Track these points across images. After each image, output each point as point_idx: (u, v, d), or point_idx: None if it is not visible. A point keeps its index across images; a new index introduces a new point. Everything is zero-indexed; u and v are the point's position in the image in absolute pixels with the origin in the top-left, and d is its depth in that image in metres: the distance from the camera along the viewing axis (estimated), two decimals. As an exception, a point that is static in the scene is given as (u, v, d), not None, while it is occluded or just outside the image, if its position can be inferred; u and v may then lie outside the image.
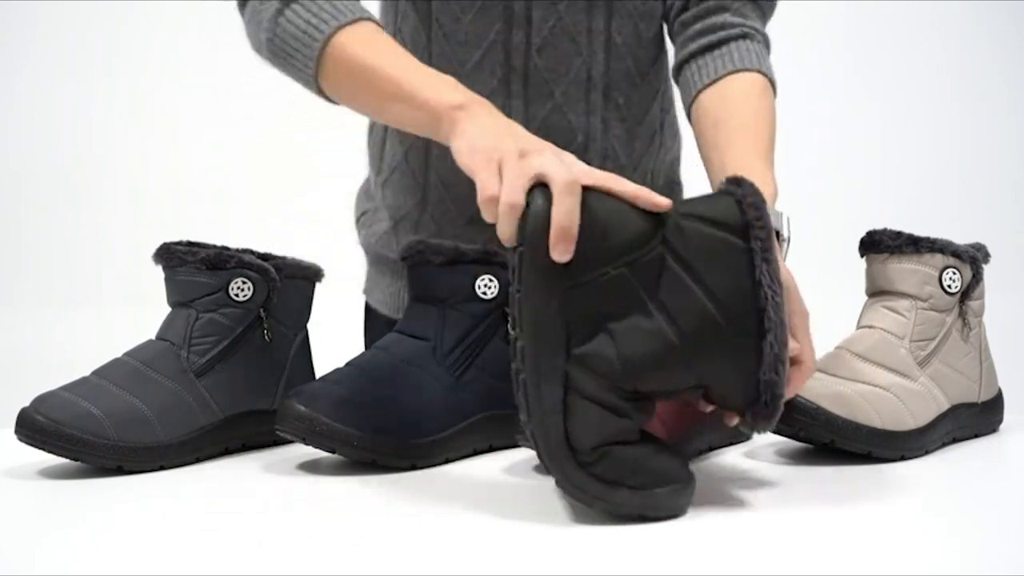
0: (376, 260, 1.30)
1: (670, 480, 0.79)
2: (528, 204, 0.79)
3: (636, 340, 0.78)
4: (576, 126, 1.18)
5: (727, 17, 1.16)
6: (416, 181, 1.20)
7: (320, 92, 1.03)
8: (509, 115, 1.13)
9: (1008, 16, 2.73)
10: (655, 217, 0.79)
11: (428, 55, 1.17)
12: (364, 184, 1.33)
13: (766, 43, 1.17)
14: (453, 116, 0.90)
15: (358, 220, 1.32)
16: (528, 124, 1.15)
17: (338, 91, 1.02)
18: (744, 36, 1.15)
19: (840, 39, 2.75)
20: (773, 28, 1.22)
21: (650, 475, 0.78)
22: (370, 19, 1.03)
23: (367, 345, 1.33)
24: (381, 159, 1.26)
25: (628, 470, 0.78)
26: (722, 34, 1.14)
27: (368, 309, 1.34)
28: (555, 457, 0.78)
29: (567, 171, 0.78)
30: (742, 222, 0.79)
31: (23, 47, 2.71)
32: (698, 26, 1.16)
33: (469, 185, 0.83)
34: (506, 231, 0.79)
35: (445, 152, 1.16)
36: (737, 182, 0.81)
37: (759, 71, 1.12)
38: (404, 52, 1.00)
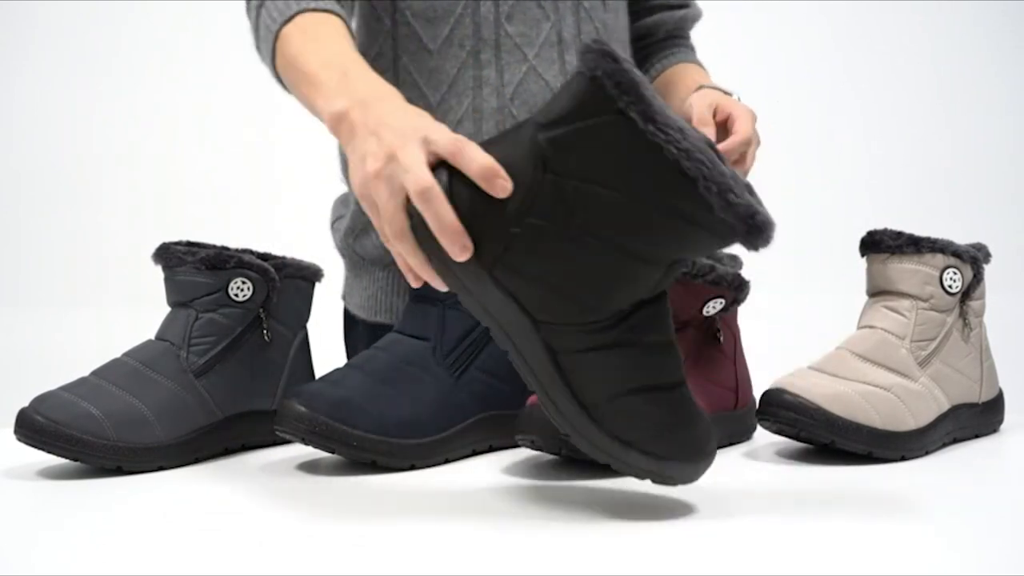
0: (353, 264, 1.29)
1: (691, 456, 0.77)
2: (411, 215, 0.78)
3: (584, 274, 0.75)
4: (554, 86, 1.18)
5: (674, 40, 1.34)
6: None
7: (282, 85, 1.04)
8: (481, 86, 1.17)
9: (1008, 16, 2.73)
10: (523, 153, 0.75)
11: (394, 36, 1.18)
12: (342, 195, 1.32)
13: (693, 49, 1.35)
14: (337, 132, 0.88)
15: (332, 225, 1.31)
16: (503, 90, 1.16)
17: (283, 83, 1.03)
18: (686, 47, 1.35)
19: (842, 38, 2.75)
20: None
21: (672, 446, 0.76)
22: (329, 11, 1.03)
23: (347, 353, 1.32)
24: None
25: (650, 434, 0.76)
26: (669, 50, 1.33)
27: (347, 316, 1.32)
28: (568, 418, 0.76)
29: (416, 175, 0.76)
30: (603, 96, 0.73)
31: (23, 47, 2.71)
32: (650, 50, 1.32)
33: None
34: (409, 256, 0.80)
35: None
36: (583, 53, 0.75)
37: (694, 63, 1.32)
38: (330, 45, 0.98)
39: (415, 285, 0.83)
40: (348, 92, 0.89)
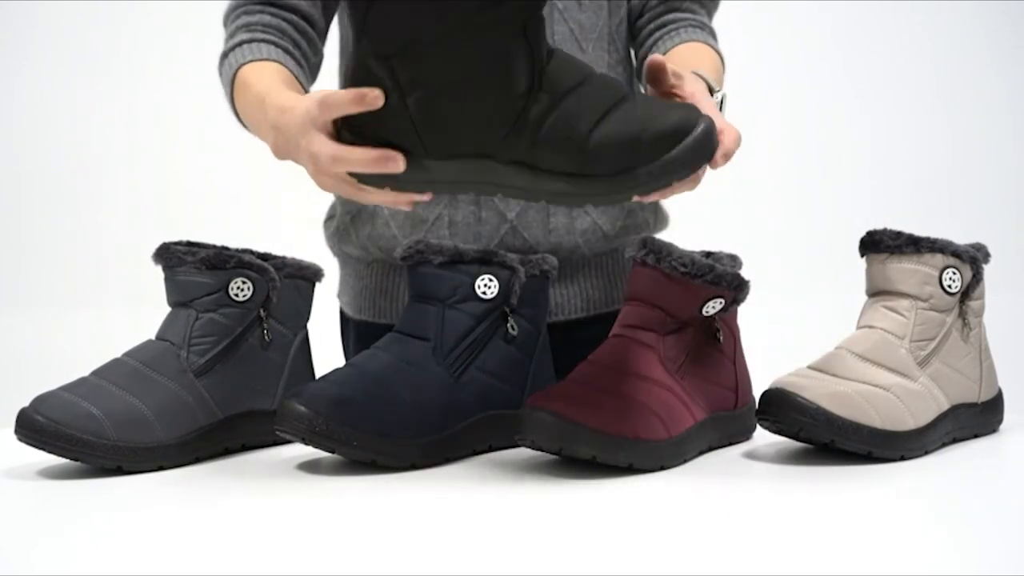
0: (343, 262, 1.30)
1: (679, 138, 0.83)
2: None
3: (474, 87, 0.82)
4: None
5: (678, 15, 1.24)
6: None
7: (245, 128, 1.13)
8: None
9: (1008, 16, 2.73)
10: (364, 66, 0.83)
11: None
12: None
13: (712, 34, 1.25)
14: (283, 159, 0.97)
15: (324, 222, 1.31)
16: None
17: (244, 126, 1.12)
18: (693, 25, 1.23)
19: (843, 38, 2.75)
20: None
21: (662, 142, 0.83)
22: (262, 58, 1.09)
23: (345, 353, 1.32)
24: None
25: (635, 151, 0.83)
26: (672, 25, 1.23)
27: (341, 313, 1.33)
28: (575, 197, 0.85)
29: (323, 159, 0.86)
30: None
31: (23, 47, 2.71)
32: (652, 26, 1.24)
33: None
34: (387, 197, 0.90)
35: None
36: None
37: (704, 43, 1.20)
38: (255, 90, 1.04)
39: (409, 205, 0.92)
40: (268, 125, 0.97)
